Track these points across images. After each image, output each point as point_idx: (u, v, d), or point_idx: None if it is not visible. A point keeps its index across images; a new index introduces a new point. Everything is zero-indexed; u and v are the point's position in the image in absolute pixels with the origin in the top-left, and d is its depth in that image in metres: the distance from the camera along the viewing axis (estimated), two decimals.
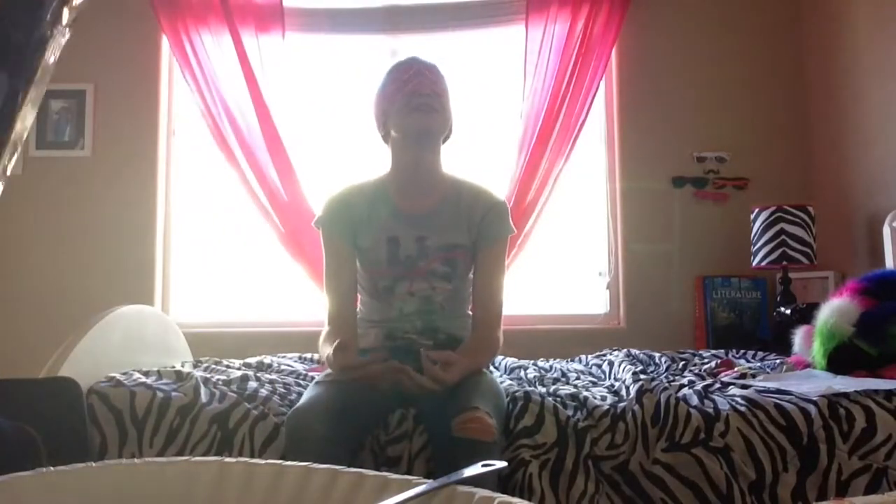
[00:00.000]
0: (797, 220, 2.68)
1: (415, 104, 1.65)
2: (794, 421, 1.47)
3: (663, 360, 2.22)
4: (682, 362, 2.22)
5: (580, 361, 2.37)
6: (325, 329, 1.71)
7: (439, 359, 1.49)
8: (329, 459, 0.57)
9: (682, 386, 1.72)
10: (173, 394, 1.67)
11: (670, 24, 3.18)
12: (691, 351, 2.47)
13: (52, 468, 0.51)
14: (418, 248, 1.71)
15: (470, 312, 1.77)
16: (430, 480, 0.50)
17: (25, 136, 0.48)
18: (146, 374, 1.80)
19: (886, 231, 2.53)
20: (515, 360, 2.35)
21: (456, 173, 1.79)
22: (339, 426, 1.43)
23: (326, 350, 1.61)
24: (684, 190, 3.07)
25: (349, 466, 0.54)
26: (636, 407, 1.59)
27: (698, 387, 1.70)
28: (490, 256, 1.73)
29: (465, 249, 1.72)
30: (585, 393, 1.71)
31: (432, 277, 1.71)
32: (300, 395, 1.72)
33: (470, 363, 1.57)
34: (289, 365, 2.17)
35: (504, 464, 0.59)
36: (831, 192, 3.01)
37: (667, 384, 1.71)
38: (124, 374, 1.78)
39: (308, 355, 2.39)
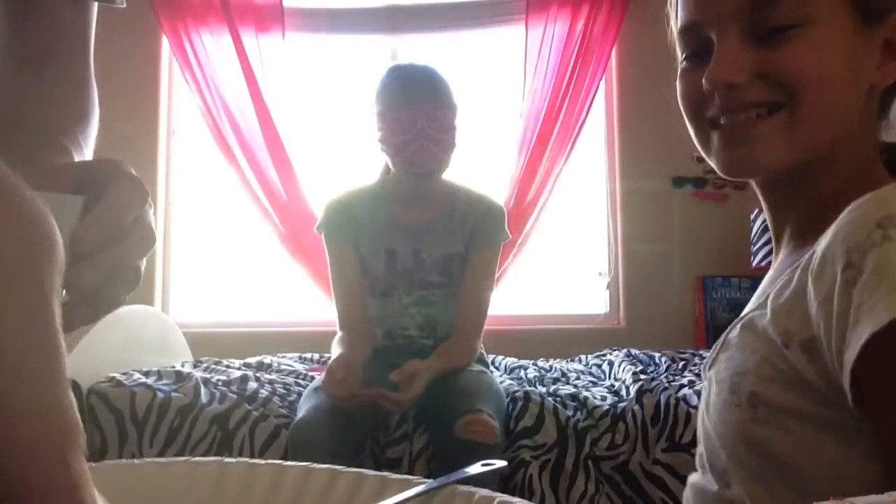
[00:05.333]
0: None
1: (415, 172, 1.65)
2: None
3: (663, 360, 2.22)
4: (682, 362, 2.22)
5: (580, 361, 2.37)
6: (339, 334, 1.71)
7: (402, 377, 1.49)
8: None
9: (682, 386, 1.73)
10: (173, 394, 1.67)
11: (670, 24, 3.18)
12: (691, 351, 2.47)
13: None
14: (415, 260, 1.71)
15: None
16: (430, 480, 0.50)
17: None
18: (146, 374, 1.80)
19: None
20: (515, 360, 2.35)
21: (453, 179, 1.79)
22: (344, 437, 1.43)
23: (335, 355, 1.62)
24: (684, 190, 3.07)
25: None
26: (636, 407, 1.59)
27: (698, 386, 1.70)
28: (480, 261, 1.72)
29: (461, 257, 1.72)
30: (585, 393, 1.71)
31: (429, 286, 1.71)
32: (300, 395, 1.72)
33: (439, 367, 1.56)
34: (289, 365, 2.17)
35: (504, 463, 0.59)
36: None
37: (667, 384, 1.71)
38: (124, 374, 1.78)
39: (308, 355, 2.39)
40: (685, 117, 0.69)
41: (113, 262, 0.41)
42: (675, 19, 0.69)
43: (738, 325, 0.65)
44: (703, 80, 0.63)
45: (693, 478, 0.72)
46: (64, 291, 0.36)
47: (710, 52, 0.63)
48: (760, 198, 0.70)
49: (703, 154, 0.69)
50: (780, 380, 0.57)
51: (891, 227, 0.49)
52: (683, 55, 0.68)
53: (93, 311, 0.43)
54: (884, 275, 0.48)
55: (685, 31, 0.66)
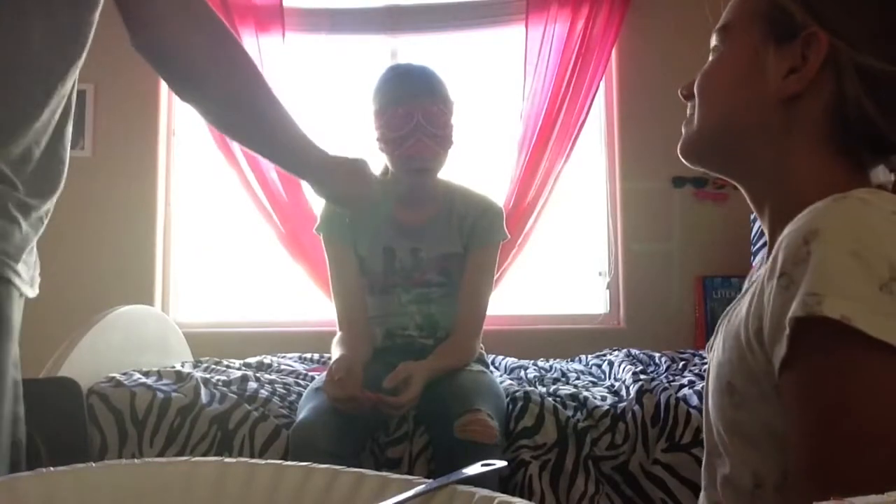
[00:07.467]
0: None
1: (413, 167, 1.64)
2: None
3: (663, 360, 2.22)
4: (682, 362, 2.22)
5: (580, 361, 2.37)
6: (338, 334, 1.71)
7: (396, 381, 1.48)
8: None
9: (682, 386, 1.73)
10: (173, 394, 1.67)
11: (670, 24, 3.18)
12: (691, 351, 2.47)
13: (52, 468, 0.51)
14: (413, 259, 1.71)
15: None
16: (430, 480, 0.50)
17: None
18: (146, 374, 1.80)
19: None
20: (515, 360, 2.35)
21: (451, 179, 1.79)
22: (344, 438, 1.43)
23: (336, 356, 1.62)
24: (684, 190, 3.07)
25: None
26: (636, 407, 1.59)
27: (698, 387, 1.70)
28: (479, 261, 1.72)
29: (460, 257, 1.72)
30: (585, 393, 1.71)
31: (428, 286, 1.71)
32: (300, 395, 1.72)
33: (434, 367, 1.56)
34: (289, 365, 2.17)
35: (504, 463, 0.59)
36: None
37: (667, 384, 1.71)
38: (124, 374, 1.78)
39: (308, 355, 2.39)
40: None
41: None
42: None
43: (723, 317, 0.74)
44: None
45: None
46: None
47: None
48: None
49: None
50: (745, 371, 0.64)
51: (812, 242, 0.56)
52: None
53: None
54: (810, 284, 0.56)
55: None
